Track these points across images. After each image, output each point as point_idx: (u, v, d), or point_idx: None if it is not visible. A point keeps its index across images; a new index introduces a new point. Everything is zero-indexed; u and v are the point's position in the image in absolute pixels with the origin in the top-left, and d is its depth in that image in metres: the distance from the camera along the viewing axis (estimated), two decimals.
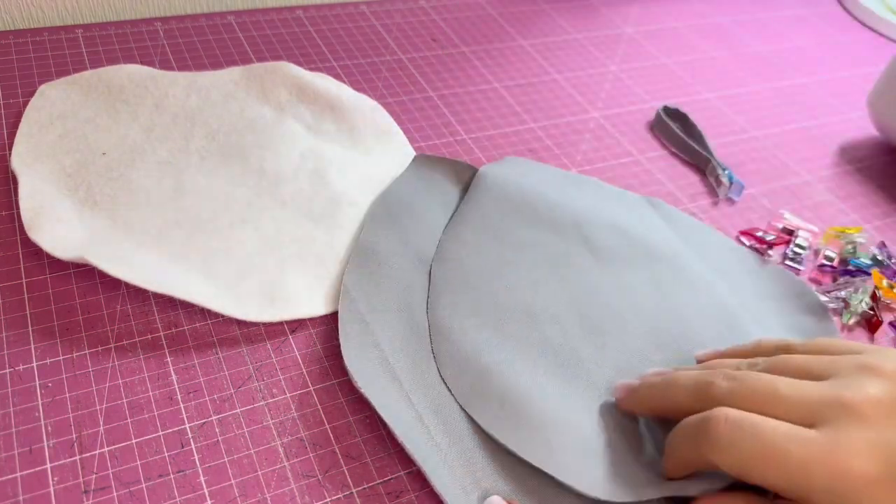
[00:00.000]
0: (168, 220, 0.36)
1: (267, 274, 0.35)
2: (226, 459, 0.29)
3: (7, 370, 0.30)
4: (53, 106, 0.42)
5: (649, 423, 0.32)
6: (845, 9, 0.74)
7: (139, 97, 0.43)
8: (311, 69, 0.51)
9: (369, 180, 0.41)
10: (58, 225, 0.34)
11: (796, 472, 0.23)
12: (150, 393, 0.30)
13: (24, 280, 0.34)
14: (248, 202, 0.38)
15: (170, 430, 0.29)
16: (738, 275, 0.40)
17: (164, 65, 0.48)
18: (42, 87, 0.43)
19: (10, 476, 0.27)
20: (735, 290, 0.39)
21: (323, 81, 0.46)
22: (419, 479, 0.29)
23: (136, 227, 0.35)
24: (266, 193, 0.38)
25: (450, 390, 0.31)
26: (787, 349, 0.29)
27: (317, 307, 0.34)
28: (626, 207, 0.42)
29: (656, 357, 0.34)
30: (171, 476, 0.28)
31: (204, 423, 0.30)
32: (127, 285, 0.34)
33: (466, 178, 0.43)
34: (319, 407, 0.31)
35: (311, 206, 0.38)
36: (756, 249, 0.43)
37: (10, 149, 0.39)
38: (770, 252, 0.42)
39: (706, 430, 0.25)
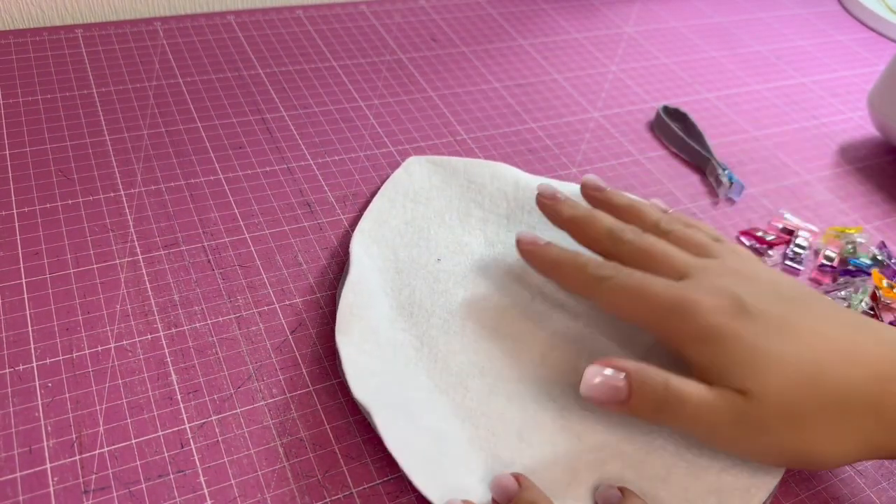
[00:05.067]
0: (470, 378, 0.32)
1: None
2: (225, 459, 0.29)
3: (7, 370, 0.30)
4: (412, 183, 0.41)
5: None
6: (845, 9, 0.74)
7: (495, 203, 0.41)
8: (311, 69, 0.51)
9: None
10: (364, 345, 0.32)
11: (661, 308, 0.29)
12: (150, 393, 0.30)
13: (23, 280, 0.34)
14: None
15: (169, 430, 0.29)
16: None
17: (164, 64, 0.48)
18: (410, 160, 0.42)
19: (9, 476, 0.27)
20: None
21: None
22: None
23: (436, 371, 0.32)
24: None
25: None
26: (682, 222, 0.35)
27: None
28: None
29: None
30: (171, 476, 0.28)
31: (204, 423, 0.30)
32: (127, 285, 0.34)
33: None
34: (319, 407, 0.31)
35: None
36: (756, 249, 0.43)
37: (353, 225, 0.38)
38: (770, 252, 0.42)
39: (608, 278, 0.31)
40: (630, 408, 0.28)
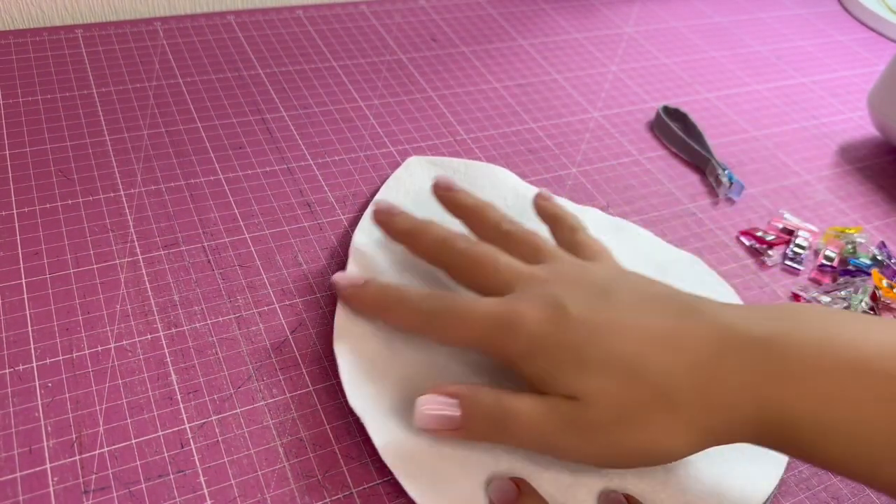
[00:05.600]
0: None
1: None
2: (225, 460, 0.29)
3: (7, 370, 0.30)
4: (413, 183, 0.41)
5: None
6: (845, 9, 0.74)
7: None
8: (311, 69, 0.51)
9: None
10: (361, 349, 0.32)
11: (488, 329, 0.29)
12: (150, 393, 0.30)
13: (23, 280, 0.34)
14: None
15: (169, 431, 0.29)
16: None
17: (164, 64, 0.48)
18: (410, 160, 0.43)
19: (9, 476, 0.27)
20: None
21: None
22: None
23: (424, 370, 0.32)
24: None
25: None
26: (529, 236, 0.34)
27: None
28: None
29: None
30: (171, 476, 0.28)
31: (204, 423, 0.30)
32: (127, 285, 0.34)
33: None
34: (319, 407, 0.31)
35: None
36: (756, 249, 0.43)
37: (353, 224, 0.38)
38: (770, 252, 0.42)
39: (433, 312, 0.31)
40: (466, 433, 0.28)
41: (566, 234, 0.35)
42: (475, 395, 0.28)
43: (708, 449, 0.30)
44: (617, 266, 0.33)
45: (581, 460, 0.28)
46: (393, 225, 0.35)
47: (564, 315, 0.28)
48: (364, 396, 0.30)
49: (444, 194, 0.37)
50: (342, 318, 0.33)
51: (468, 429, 0.28)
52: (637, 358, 0.27)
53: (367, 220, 0.39)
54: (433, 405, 0.28)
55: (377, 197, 0.40)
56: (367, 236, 0.38)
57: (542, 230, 0.41)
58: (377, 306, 0.32)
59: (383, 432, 0.29)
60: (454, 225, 0.40)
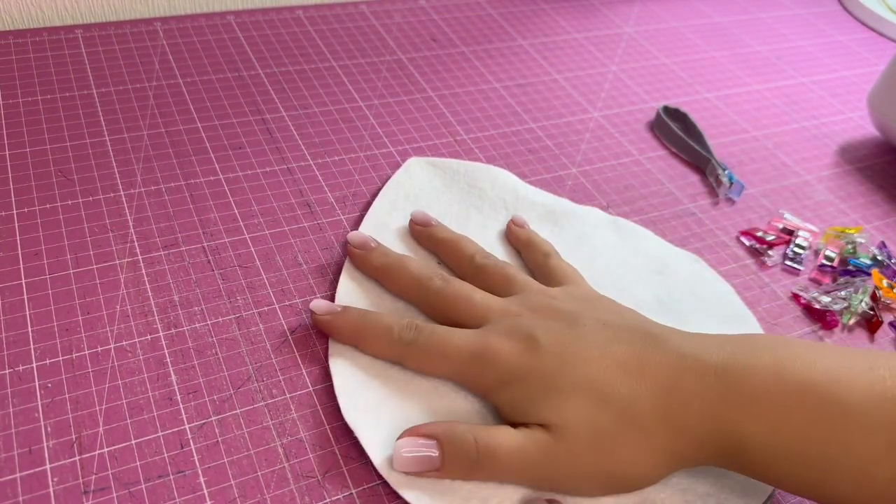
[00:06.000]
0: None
1: None
2: (225, 460, 0.29)
3: (7, 371, 0.30)
4: (412, 185, 0.41)
5: None
6: (845, 9, 0.74)
7: (494, 210, 0.41)
8: (311, 69, 0.51)
9: None
10: (357, 359, 0.32)
11: (463, 362, 0.30)
12: (150, 393, 0.30)
13: (23, 280, 0.34)
14: None
15: (169, 431, 0.29)
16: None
17: (164, 64, 0.48)
18: (410, 161, 0.43)
19: (9, 477, 0.27)
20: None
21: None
22: None
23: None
24: None
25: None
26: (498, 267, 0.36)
27: None
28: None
29: None
30: (171, 477, 0.28)
31: (203, 423, 0.30)
32: (126, 285, 0.34)
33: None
34: (319, 407, 0.31)
35: None
36: (756, 249, 0.43)
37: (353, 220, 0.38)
38: (770, 252, 0.42)
39: (411, 342, 0.31)
40: (446, 473, 0.28)
41: (539, 259, 0.37)
42: (452, 435, 0.28)
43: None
44: (587, 291, 0.34)
45: (559, 491, 0.29)
46: (369, 262, 0.35)
47: (536, 346, 0.30)
48: (358, 409, 0.30)
49: (421, 230, 0.38)
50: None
51: (448, 469, 0.28)
52: (604, 384, 0.28)
53: (368, 223, 0.39)
54: (411, 448, 0.28)
55: (377, 200, 0.40)
56: (372, 227, 0.38)
57: (541, 231, 0.41)
58: (355, 335, 0.32)
59: (379, 444, 0.29)
60: (461, 226, 0.40)
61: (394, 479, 0.28)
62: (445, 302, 0.33)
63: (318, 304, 0.33)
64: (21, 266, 0.34)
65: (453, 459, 0.28)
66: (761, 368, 0.27)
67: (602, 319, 0.31)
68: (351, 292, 0.35)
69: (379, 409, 0.30)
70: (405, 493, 0.28)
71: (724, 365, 0.28)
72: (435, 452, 0.28)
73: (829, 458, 0.26)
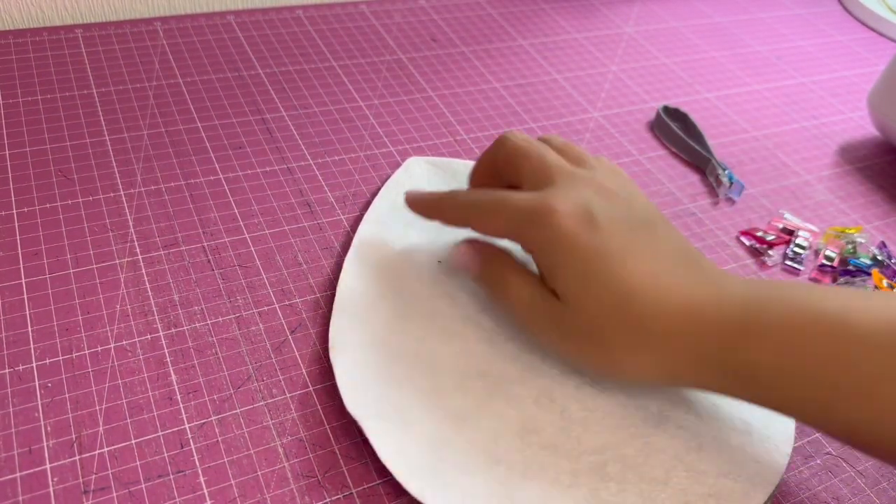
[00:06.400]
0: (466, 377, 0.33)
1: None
2: (225, 460, 0.29)
3: (7, 370, 0.30)
4: (412, 184, 0.41)
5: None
6: (845, 9, 0.74)
7: None
8: (311, 69, 0.51)
9: None
10: (357, 356, 0.32)
11: (520, 217, 0.31)
12: (150, 393, 0.30)
13: (23, 280, 0.34)
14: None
15: (169, 431, 0.29)
16: None
17: (164, 64, 0.48)
18: (410, 160, 0.43)
19: (9, 476, 0.27)
20: None
21: None
22: None
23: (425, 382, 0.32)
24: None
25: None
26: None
27: None
28: None
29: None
30: (171, 476, 0.28)
31: (203, 423, 0.30)
32: (126, 285, 0.34)
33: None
34: (319, 407, 0.31)
35: None
36: (756, 249, 0.43)
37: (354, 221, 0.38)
38: (770, 252, 0.42)
39: (475, 203, 0.33)
40: (480, 280, 0.34)
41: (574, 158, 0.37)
42: (490, 262, 0.33)
43: (707, 449, 0.31)
44: (641, 194, 0.35)
45: (553, 353, 0.32)
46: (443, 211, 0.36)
47: (592, 222, 0.30)
48: (362, 402, 0.30)
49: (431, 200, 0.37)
50: (337, 325, 0.33)
51: (482, 278, 0.34)
52: (631, 289, 0.29)
53: (368, 224, 0.39)
54: (463, 255, 0.34)
55: (377, 198, 0.40)
56: (368, 242, 0.38)
57: None
58: (431, 208, 0.35)
59: (383, 436, 0.29)
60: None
61: (398, 471, 0.28)
62: (516, 155, 0.33)
63: (410, 193, 0.36)
64: (21, 266, 0.34)
65: (485, 275, 0.33)
66: (778, 300, 0.28)
67: (659, 225, 0.32)
68: (351, 292, 0.35)
69: (381, 403, 0.30)
70: (409, 486, 0.28)
71: (748, 297, 0.28)
72: (478, 265, 0.34)
73: (833, 378, 0.26)
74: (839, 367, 0.26)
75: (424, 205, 0.35)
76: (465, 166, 0.43)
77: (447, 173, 0.43)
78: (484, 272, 0.33)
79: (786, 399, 0.27)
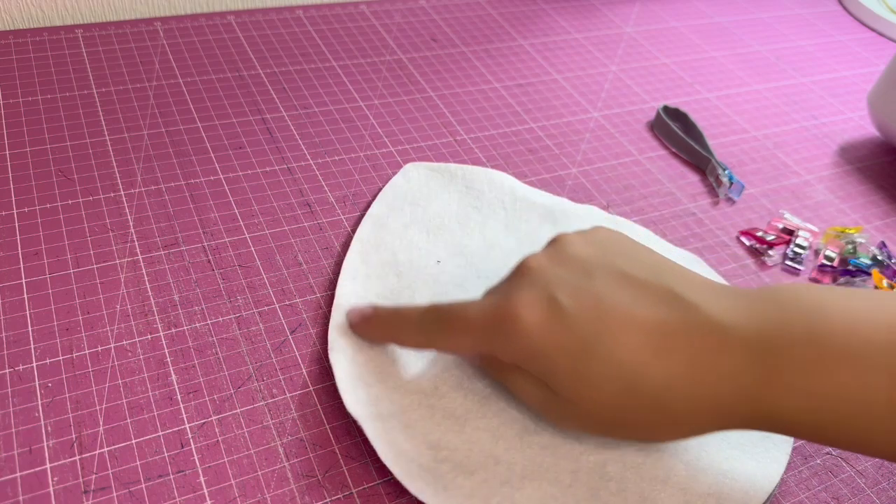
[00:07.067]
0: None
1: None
2: (225, 460, 0.29)
3: (7, 370, 0.30)
4: (410, 188, 0.41)
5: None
6: (845, 9, 0.74)
7: (493, 210, 0.41)
8: (311, 69, 0.51)
9: None
10: (357, 356, 0.32)
11: (476, 328, 0.29)
12: (150, 393, 0.30)
13: (23, 280, 0.34)
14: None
15: (169, 431, 0.29)
16: None
17: (164, 64, 0.48)
18: (407, 166, 0.43)
19: (9, 476, 0.27)
20: None
21: None
22: None
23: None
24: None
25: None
26: None
27: None
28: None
29: None
30: (171, 476, 0.28)
31: (204, 423, 0.30)
32: (127, 285, 0.34)
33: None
34: (319, 407, 0.31)
35: None
36: (756, 249, 0.43)
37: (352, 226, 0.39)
38: (770, 252, 0.42)
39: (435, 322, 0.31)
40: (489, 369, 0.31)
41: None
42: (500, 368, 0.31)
43: (708, 448, 0.31)
44: (602, 235, 0.32)
45: (574, 432, 0.31)
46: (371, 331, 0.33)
47: (559, 312, 0.28)
48: (362, 402, 0.30)
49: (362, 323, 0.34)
50: (337, 325, 0.33)
51: (490, 375, 0.32)
52: (634, 370, 0.27)
53: (366, 226, 0.39)
54: (472, 360, 0.32)
55: (374, 203, 0.40)
56: (367, 244, 0.37)
57: (541, 232, 0.41)
58: (385, 335, 0.32)
59: (383, 436, 0.29)
60: (460, 225, 0.40)
61: (398, 471, 0.28)
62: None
63: (352, 313, 0.33)
64: (21, 266, 0.34)
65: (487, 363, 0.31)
66: (796, 336, 0.26)
67: (625, 266, 0.29)
68: (351, 292, 0.35)
69: (381, 403, 0.30)
70: (409, 486, 0.28)
71: (758, 338, 0.26)
72: (476, 360, 0.32)
73: (878, 413, 0.25)
74: (856, 389, 0.25)
75: (371, 327, 0.32)
76: (462, 169, 0.43)
77: (444, 176, 0.43)
78: (494, 374, 0.31)
79: (824, 436, 0.26)
